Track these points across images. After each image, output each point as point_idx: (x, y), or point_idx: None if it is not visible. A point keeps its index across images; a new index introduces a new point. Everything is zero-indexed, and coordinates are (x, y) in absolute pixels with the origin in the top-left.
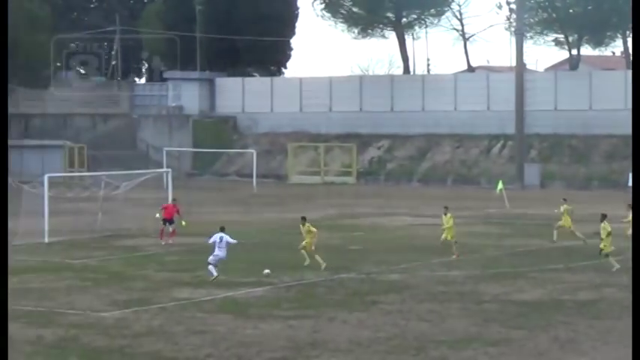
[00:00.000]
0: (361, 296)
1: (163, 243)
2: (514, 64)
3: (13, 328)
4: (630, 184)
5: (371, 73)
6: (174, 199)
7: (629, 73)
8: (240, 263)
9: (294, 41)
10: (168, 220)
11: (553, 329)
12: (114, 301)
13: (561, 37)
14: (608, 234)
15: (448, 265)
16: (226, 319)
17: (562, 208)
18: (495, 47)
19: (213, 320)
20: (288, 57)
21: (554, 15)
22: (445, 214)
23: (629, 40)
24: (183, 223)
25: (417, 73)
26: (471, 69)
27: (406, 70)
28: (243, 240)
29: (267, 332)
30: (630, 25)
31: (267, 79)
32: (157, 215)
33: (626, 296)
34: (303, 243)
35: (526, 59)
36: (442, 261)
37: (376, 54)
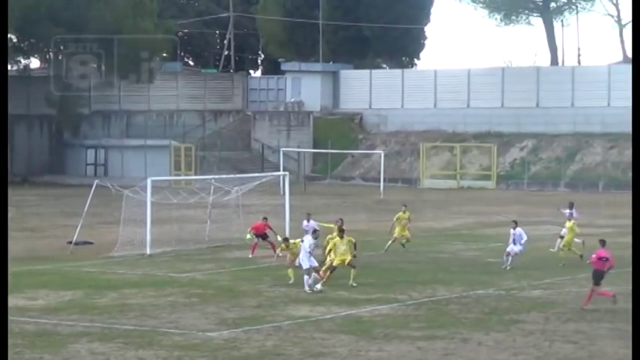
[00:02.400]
0: (499, 315)
1: (250, 256)
2: None
3: (110, 349)
4: None
5: (514, 65)
6: (264, 218)
7: None
8: (366, 278)
9: (428, 29)
10: (261, 235)
11: None
12: (222, 320)
13: None
14: None
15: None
16: (348, 340)
17: None
18: None
19: (333, 341)
20: (421, 47)
21: None
22: None
23: None
24: (279, 238)
25: (566, 64)
26: (627, 60)
27: (554, 61)
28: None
29: (394, 355)
30: None
31: (398, 72)
32: (248, 237)
33: None
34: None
35: None
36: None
37: (521, 43)
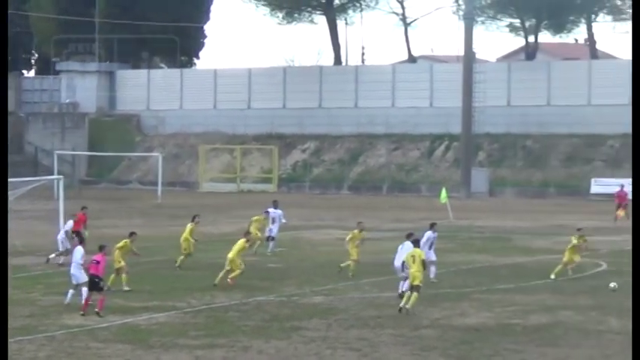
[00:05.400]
0: (280, 322)
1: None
2: (462, 53)
3: None
4: (593, 191)
5: (296, 64)
6: (84, 207)
7: (595, 63)
8: (142, 285)
9: (208, 28)
10: (76, 233)
11: (500, 358)
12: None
13: (517, 22)
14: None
15: (380, 286)
16: (124, 349)
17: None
18: (441, 34)
19: (109, 351)
20: (200, 46)
21: None
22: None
23: (595, 26)
24: (86, 233)
25: (349, 63)
26: (412, 59)
27: (337, 60)
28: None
29: None
30: (595, 9)
31: (177, 71)
32: (86, 233)
33: (584, 320)
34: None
35: (475, 47)
36: (374, 281)
37: (303, 42)
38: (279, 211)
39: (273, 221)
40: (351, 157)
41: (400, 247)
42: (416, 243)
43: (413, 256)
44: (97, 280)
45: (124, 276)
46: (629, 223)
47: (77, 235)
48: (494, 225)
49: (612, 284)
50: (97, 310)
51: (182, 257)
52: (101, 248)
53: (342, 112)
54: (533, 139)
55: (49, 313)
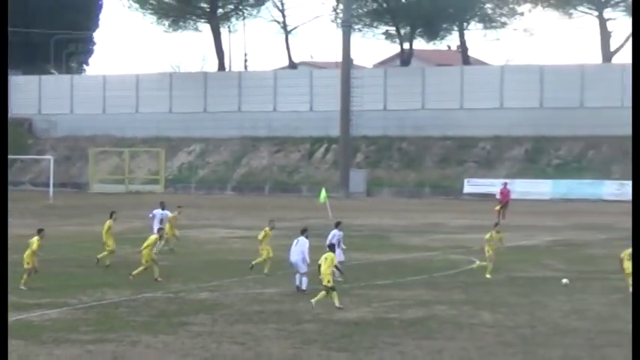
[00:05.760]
0: (168, 317)
1: None
2: (340, 59)
3: None
4: (466, 190)
5: (182, 70)
6: None
7: (466, 69)
8: (35, 282)
9: (97, 35)
10: None
11: (378, 351)
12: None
13: (392, 29)
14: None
15: (263, 283)
16: (17, 345)
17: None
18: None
19: None
20: (90, 52)
21: (384, 5)
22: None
23: (467, 33)
24: None
25: (233, 69)
26: (292, 65)
27: (221, 66)
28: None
29: (63, 359)
30: (467, 17)
31: (67, 77)
32: None
33: (458, 314)
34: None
35: (353, 54)
36: (257, 278)
37: (189, 49)
38: (167, 212)
39: (162, 221)
40: (235, 159)
41: (295, 242)
42: (331, 248)
43: (326, 258)
44: None
45: (25, 276)
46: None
47: None
48: (372, 223)
49: (564, 280)
50: None
51: (105, 253)
52: None
53: (226, 115)
54: (408, 141)
55: None
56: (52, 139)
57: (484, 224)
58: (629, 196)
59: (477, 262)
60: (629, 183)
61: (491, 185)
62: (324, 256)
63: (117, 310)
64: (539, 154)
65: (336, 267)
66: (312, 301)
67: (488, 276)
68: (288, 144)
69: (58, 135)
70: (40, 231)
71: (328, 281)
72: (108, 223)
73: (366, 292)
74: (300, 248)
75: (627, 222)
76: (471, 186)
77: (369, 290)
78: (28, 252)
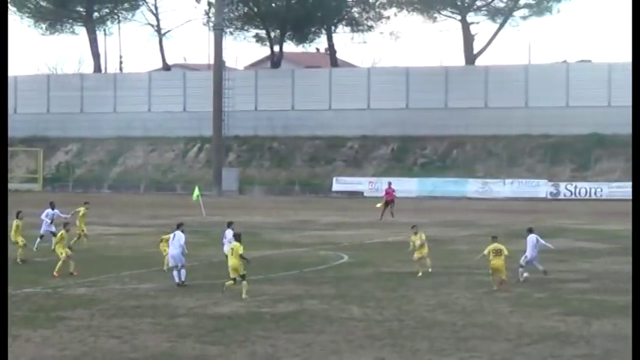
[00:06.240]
0: (46, 312)
1: None
2: (212, 61)
3: None
4: (335, 188)
5: (59, 72)
6: None
7: (335, 70)
8: None
9: None
10: None
11: (251, 344)
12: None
13: (263, 32)
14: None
15: (140, 278)
16: None
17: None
18: (193, 44)
19: None
20: None
21: (255, 9)
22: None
23: (335, 37)
24: None
25: (109, 71)
26: (166, 67)
27: (97, 68)
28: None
29: None
30: (335, 21)
31: None
32: None
33: (328, 308)
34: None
35: (225, 57)
36: (133, 273)
37: (66, 51)
38: (56, 211)
39: (52, 221)
40: (111, 158)
41: (172, 236)
42: (237, 237)
43: (232, 249)
44: None
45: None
46: (393, 219)
47: None
48: (243, 220)
49: (525, 274)
50: None
51: (20, 250)
52: None
53: (102, 116)
54: (279, 140)
55: None
56: None
57: (352, 221)
58: (492, 194)
59: (345, 258)
60: (493, 181)
61: (359, 183)
62: (230, 246)
63: None
64: (405, 153)
65: (241, 256)
66: (244, 295)
67: (420, 274)
68: (162, 143)
69: None
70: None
71: (240, 271)
72: (16, 222)
73: (239, 287)
74: (178, 242)
75: (490, 219)
76: (340, 184)
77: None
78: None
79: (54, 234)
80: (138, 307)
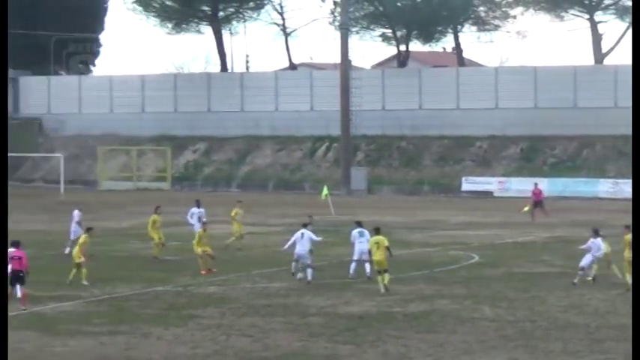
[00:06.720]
0: (177, 310)
1: None
2: (339, 61)
3: None
4: (464, 188)
5: (186, 71)
6: None
7: (462, 70)
8: (48, 276)
9: (103, 37)
10: None
11: (383, 344)
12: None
13: (389, 32)
14: None
15: (270, 277)
16: (33, 336)
17: None
18: (319, 43)
19: (18, 337)
20: (97, 54)
21: (381, 8)
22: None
23: (461, 36)
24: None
25: (235, 70)
26: (292, 66)
27: (224, 67)
28: (53, 251)
29: (77, 350)
30: (461, 20)
31: (75, 78)
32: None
33: (459, 308)
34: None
35: (351, 56)
36: (263, 272)
37: (192, 51)
38: (202, 210)
39: (199, 219)
40: (239, 157)
41: (300, 235)
42: (377, 231)
43: (377, 243)
44: (21, 274)
45: (84, 270)
46: (547, 220)
47: None
48: (373, 220)
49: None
50: (22, 307)
51: (155, 248)
52: (17, 244)
53: (230, 115)
54: (407, 140)
55: None
56: (62, 137)
57: (482, 221)
58: (624, 194)
59: (476, 258)
60: (624, 181)
61: (488, 183)
62: (373, 240)
63: (127, 303)
64: (534, 153)
65: (387, 248)
66: (381, 289)
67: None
68: (290, 143)
69: (67, 134)
70: (88, 229)
71: (384, 265)
72: (152, 217)
73: (370, 286)
74: (306, 241)
75: (621, 219)
76: (469, 184)
77: (373, 285)
78: (77, 248)
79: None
80: (269, 306)
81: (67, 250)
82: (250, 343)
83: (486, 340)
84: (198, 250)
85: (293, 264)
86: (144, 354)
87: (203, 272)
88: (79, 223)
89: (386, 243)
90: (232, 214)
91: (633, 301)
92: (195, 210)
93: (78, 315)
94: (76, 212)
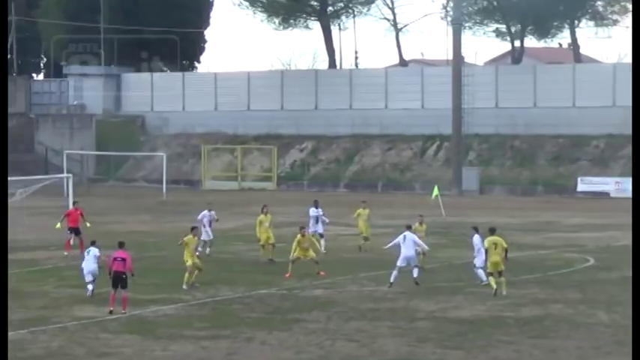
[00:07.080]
0: (282, 314)
1: (66, 254)
2: (451, 57)
3: None
4: (580, 189)
5: (293, 68)
6: (75, 202)
7: (578, 67)
8: (149, 278)
9: (208, 33)
10: (74, 229)
11: (493, 349)
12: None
13: (503, 27)
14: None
15: (377, 280)
16: (133, 340)
17: None
18: (430, 39)
19: (118, 341)
20: (201, 50)
21: (495, 3)
22: None
23: (578, 31)
24: (88, 224)
25: (344, 67)
26: (403, 63)
27: (332, 64)
28: (155, 253)
29: (178, 354)
30: (578, 15)
31: (179, 75)
32: (58, 225)
33: (573, 313)
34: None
35: (464, 52)
36: (370, 275)
37: (299, 46)
38: (320, 211)
39: (317, 220)
40: (347, 156)
41: (402, 238)
42: (492, 231)
43: (495, 244)
44: (124, 276)
45: (187, 275)
46: None
47: (72, 231)
48: (485, 221)
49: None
50: (123, 310)
51: (263, 250)
52: (122, 245)
53: (338, 113)
54: (520, 139)
55: (60, 305)
56: (165, 136)
57: (598, 223)
58: None
59: (591, 261)
60: None
61: (605, 184)
62: (490, 240)
63: (231, 306)
64: None
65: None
66: (503, 292)
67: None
68: (399, 142)
69: (170, 132)
70: (193, 229)
71: (500, 266)
72: (259, 218)
73: (480, 290)
74: (410, 243)
75: None
76: (585, 184)
77: (483, 288)
78: (186, 251)
79: (321, 235)
80: (376, 310)
81: (207, 251)
82: (357, 348)
83: (601, 345)
84: (189, 261)
85: (394, 273)
86: (247, 359)
87: (185, 287)
88: (209, 223)
89: (505, 244)
90: (355, 215)
91: (633, 301)
92: (313, 210)
93: (179, 318)
94: (205, 213)
